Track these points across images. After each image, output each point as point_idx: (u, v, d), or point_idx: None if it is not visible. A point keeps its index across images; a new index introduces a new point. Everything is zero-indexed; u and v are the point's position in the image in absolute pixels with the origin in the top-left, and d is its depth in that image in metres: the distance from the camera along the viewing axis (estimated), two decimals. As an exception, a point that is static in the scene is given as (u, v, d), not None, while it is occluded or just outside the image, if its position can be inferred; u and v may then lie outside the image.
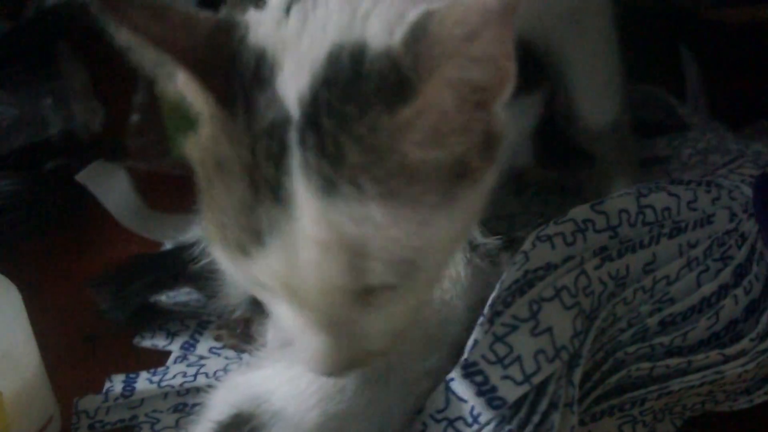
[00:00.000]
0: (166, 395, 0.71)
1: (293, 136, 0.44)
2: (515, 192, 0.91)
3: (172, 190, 0.87)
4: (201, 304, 0.80)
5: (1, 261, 0.75)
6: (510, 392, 0.56)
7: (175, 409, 0.70)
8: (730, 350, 0.63)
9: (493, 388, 0.57)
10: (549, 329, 0.58)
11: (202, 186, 0.49)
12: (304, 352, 0.49)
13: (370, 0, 0.46)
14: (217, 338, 0.76)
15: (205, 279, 0.73)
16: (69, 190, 0.94)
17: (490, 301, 0.61)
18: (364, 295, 0.46)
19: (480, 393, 0.57)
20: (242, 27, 0.48)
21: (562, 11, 0.79)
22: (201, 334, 0.78)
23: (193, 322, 0.79)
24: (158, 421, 0.69)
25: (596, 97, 0.86)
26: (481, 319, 0.60)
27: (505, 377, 0.57)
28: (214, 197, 0.47)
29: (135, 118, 1.02)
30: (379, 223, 0.43)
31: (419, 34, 0.43)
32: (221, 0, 0.53)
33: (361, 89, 0.44)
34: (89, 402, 0.71)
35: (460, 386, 0.57)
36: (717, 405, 0.67)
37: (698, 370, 0.63)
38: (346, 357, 0.49)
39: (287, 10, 0.48)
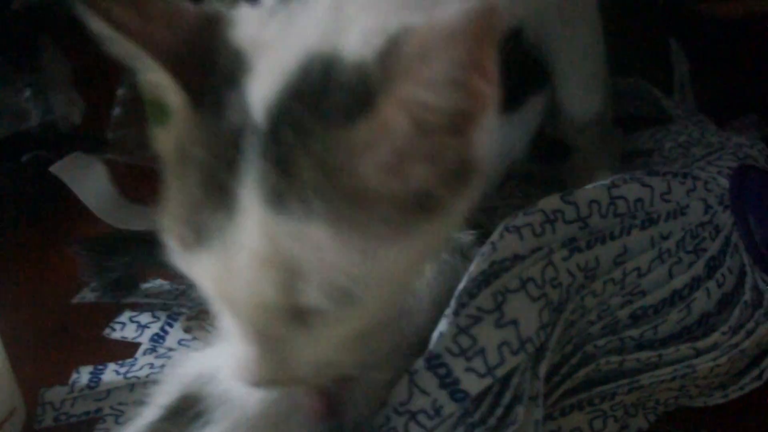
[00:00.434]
0: (132, 387, 0.70)
1: (252, 144, 0.43)
2: (496, 185, 0.90)
3: (152, 183, 0.87)
4: (173, 296, 0.79)
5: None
6: (473, 385, 0.55)
7: (141, 402, 0.68)
8: (702, 344, 0.62)
9: (456, 381, 0.56)
10: (514, 321, 0.57)
11: (166, 178, 0.48)
12: (232, 358, 0.48)
13: (358, 8, 0.45)
14: (187, 330, 0.75)
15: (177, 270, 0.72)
16: (47, 182, 0.93)
17: (456, 293, 0.60)
18: (298, 314, 0.45)
19: (443, 385, 0.56)
20: (227, 23, 0.47)
21: (549, 1, 0.79)
22: (171, 326, 0.77)
23: (163, 315, 0.78)
24: (123, 413, 0.68)
25: (581, 89, 0.86)
26: (447, 311, 0.60)
27: (468, 369, 0.56)
28: (172, 190, 0.47)
29: (117, 111, 1.02)
30: (319, 246, 0.42)
31: (391, 49, 0.41)
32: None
33: (327, 103, 0.42)
34: (55, 394, 0.71)
35: (422, 378, 0.56)
36: (691, 400, 0.66)
37: (669, 363, 0.61)
38: (270, 374, 0.48)
39: (276, 10, 0.47)
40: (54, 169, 0.91)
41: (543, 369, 0.58)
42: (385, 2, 0.45)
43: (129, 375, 0.72)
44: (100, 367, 0.73)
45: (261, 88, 0.44)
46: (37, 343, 0.77)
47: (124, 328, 0.78)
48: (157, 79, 0.47)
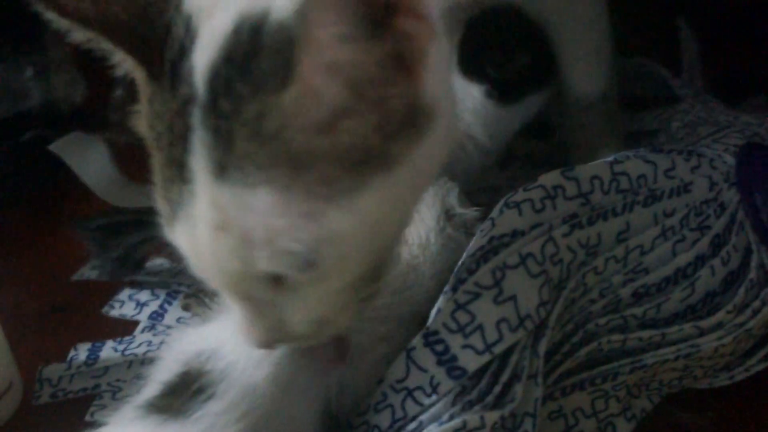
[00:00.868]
0: (130, 364, 0.70)
1: (196, 116, 0.43)
2: (500, 164, 0.89)
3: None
4: (172, 274, 0.78)
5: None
6: (471, 362, 0.55)
7: (139, 378, 0.68)
8: (706, 323, 0.61)
9: (454, 358, 0.55)
10: (513, 297, 0.56)
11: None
12: (235, 323, 0.49)
13: None
14: (185, 308, 0.75)
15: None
16: (47, 161, 0.92)
17: (455, 269, 0.59)
18: (273, 279, 0.45)
19: (440, 362, 0.55)
20: None
21: None
22: (170, 304, 0.76)
23: (162, 293, 0.77)
24: (120, 389, 0.68)
25: (585, 67, 0.84)
26: (446, 287, 0.59)
27: (466, 346, 0.55)
28: (154, 167, 0.47)
29: (119, 92, 1.01)
30: (264, 213, 0.42)
31: (306, 4, 0.39)
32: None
33: (256, 68, 0.41)
34: (53, 370, 0.70)
35: (420, 355, 0.56)
36: (696, 381, 0.65)
37: (673, 343, 0.60)
38: (268, 335, 0.48)
39: None
40: (54, 147, 0.91)
41: (543, 347, 0.57)
42: None
43: (127, 352, 0.71)
44: (99, 344, 0.73)
45: (203, 56, 0.43)
46: (36, 320, 0.77)
47: (123, 306, 0.77)
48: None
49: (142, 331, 0.74)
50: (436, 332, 0.56)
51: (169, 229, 0.46)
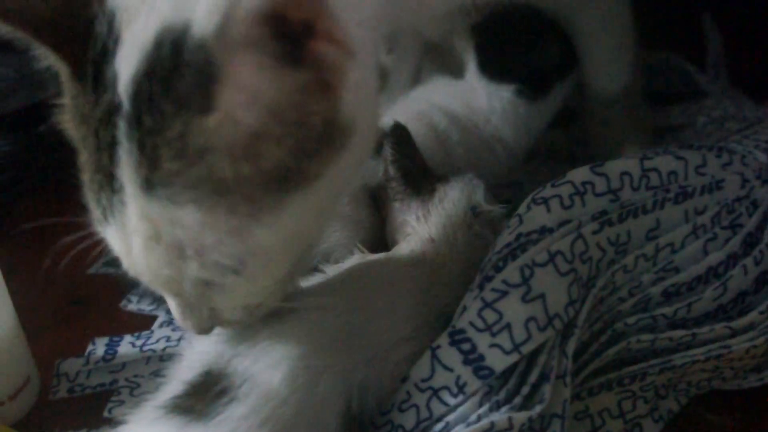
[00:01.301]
0: (148, 360, 0.69)
1: (122, 128, 0.42)
2: (523, 159, 0.88)
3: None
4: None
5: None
6: (498, 361, 0.53)
7: (156, 374, 0.67)
8: (738, 323, 0.59)
9: (481, 357, 0.54)
10: (541, 296, 0.54)
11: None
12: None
13: None
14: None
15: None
16: (64, 152, 0.91)
17: (481, 266, 0.58)
18: (203, 281, 0.46)
19: (467, 362, 0.54)
20: None
21: None
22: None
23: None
24: (138, 385, 0.67)
25: (606, 61, 0.83)
26: (471, 285, 0.58)
27: (494, 345, 0.54)
28: (82, 166, 0.47)
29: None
30: (192, 228, 0.43)
31: (224, 26, 0.39)
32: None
33: (178, 85, 0.40)
34: (70, 365, 0.69)
35: (446, 354, 0.54)
36: (724, 382, 0.64)
37: (703, 343, 0.59)
38: (201, 324, 0.51)
39: None
40: (72, 138, 0.90)
41: (571, 347, 0.55)
42: None
43: (145, 348, 0.70)
44: (117, 338, 0.72)
45: (125, 65, 0.42)
46: (53, 314, 0.76)
47: (141, 300, 0.76)
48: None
49: (161, 325, 0.73)
50: (462, 331, 0.54)
51: (101, 228, 0.47)
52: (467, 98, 0.82)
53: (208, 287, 0.46)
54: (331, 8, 0.41)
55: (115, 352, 0.70)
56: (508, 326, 0.54)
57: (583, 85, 0.85)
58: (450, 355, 0.54)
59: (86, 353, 0.71)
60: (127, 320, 0.75)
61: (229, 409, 0.48)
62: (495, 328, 0.54)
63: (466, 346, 0.54)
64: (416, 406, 0.54)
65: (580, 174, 0.60)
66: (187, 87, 0.40)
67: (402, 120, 0.69)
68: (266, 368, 0.49)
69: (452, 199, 0.62)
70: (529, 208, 0.59)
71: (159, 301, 0.75)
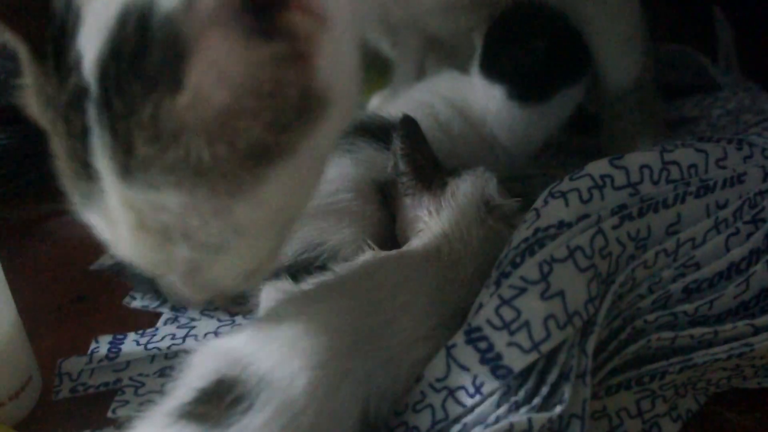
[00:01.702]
0: (152, 358, 0.67)
1: (92, 114, 0.41)
2: (526, 161, 0.86)
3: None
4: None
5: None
6: (516, 361, 0.52)
7: (161, 374, 0.65)
8: (761, 321, 0.58)
9: (498, 356, 0.52)
10: (561, 293, 0.53)
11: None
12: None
13: None
14: (210, 299, 0.72)
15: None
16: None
17: (497, 262, 0.56)
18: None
19: (484, 361, 0.52)
20: None
21: None
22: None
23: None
24: (143, 384, 0.65)
25: (617, 54, 0.81)
26: (487, 281, 0.56)
27: (512, 344, 0.52)
28: (55, 151, 0.45)
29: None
30: (174, 211, 0.42)
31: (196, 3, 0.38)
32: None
33: (146, 65, 0.39)
34: (72, 364, 0.67)
35: (462, 353, 0.53)
36: (745, 381, 0.62)
37: (725, 341, 0.57)
38: (199, 293, 0.49)
39: None
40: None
41: (591, 345, 0.54)
42: None
43: (150, 346, 0.68)
44: (120, 336, 0.70)
45: (90, 44, 0.41)
46: (55, 311, 0.75)
47: (145, 297, 0.75)
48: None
49: (165, 323, 0.72)
50: (478, 329, 0.53)
51: (83, 213, 0.46)
52: (467, 93, 0.80)
53: (200, 264, 0.46)
54: None
55: (119, 350, 0.68)
56: (526, 324, 0.52)
57: (596, 78, 0.83)
58: (466, 354, 0.53)
59: (89, 352, 0.69)
60: (131, 317, 0.73)
61: (248, 417, 0.46)
62: (513, 326, 0.52)
63: (482, 345, 0.52)
64: (431, 406, 0.53)
65: (598, 167, 0.58)
66: (155, 66, 0.39)
67: (404, 110, 0.67)
68: (286, 376, 0.47)
69: (464, 193, 0.61)
70: (546, 202, 0.57)
71: (164, 298, 0.73)
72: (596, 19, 0.79)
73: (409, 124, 0.64)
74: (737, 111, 0.81)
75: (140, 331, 0.71)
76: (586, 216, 0.56)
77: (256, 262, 0.48)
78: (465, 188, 0.61)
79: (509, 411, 0.51)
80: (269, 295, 0.62)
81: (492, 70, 0.79)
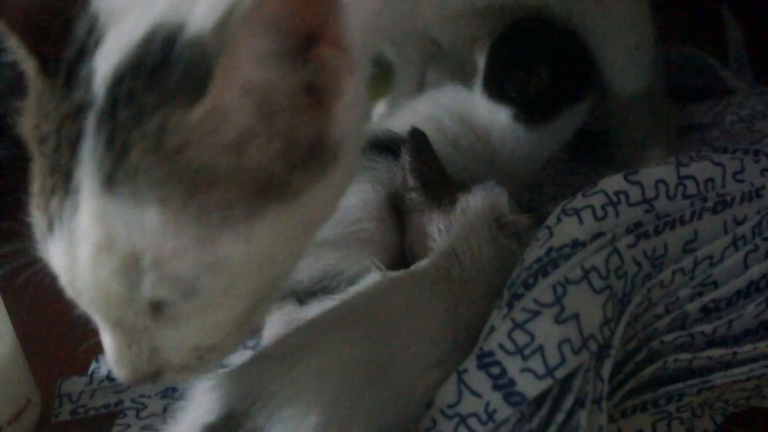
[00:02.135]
0: (154, 379, 0.65)
1: (91, 122, 0.40)
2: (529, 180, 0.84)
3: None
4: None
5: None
6: (530, 387, 0.50)
7: (164, 395, 0.64)
8: (781, 341, 0.56)
9: (512, 382, 0.50)
10: (575, 316, 0.51)
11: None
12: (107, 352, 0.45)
13: None
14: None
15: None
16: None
17: (508, 282, 0.55)
18: (153, 306, 0.41)
19: (496, 387, 0.50)
20: None
21: None
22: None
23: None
24: (145, 407, 0.63)
25: (625, 61, 0.80)
26: (498, 303, 0.54)
27: (525, 370, 0.50)
28: (35, 173, 0.43)
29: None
30: (152, 232, 0.39)
31: (225, 20, 0.38)
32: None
33: (165, 79, 0.39)
34: (73, 384, 0.66)
35: (474, 378, 0.51)
36: (763, 400, 0.60)
37: (744, 362, 0.56)
38: (141, 366, 0.44)
39: None
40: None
41: (607, 369, 0.52)
42: None
43: (151, 366, 0.67)
44: (121, 356, 0.68)
45: (105, 61, 0.41)
46: (54, 330, 0.72)
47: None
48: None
49: (167, 341, 0.70)
50: (491, 353, 0.51)
51: (44, 243, 0.43)
52: (472, 108, 0.78)
53: (157, 316, 0.42)
54: (343, 16, 0.39)
55: (120, 370, 0.67)
56: (540, 349, 0.50)
57: (603, 86, 0.81)
58: (478, 380, 0.51)
59: (89, 372, 0.68)
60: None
61: None
62: (526, 351, 0.50)
63: (495, 370, 0.51)
64: (442, 433, 0.51)
65: (612, 182, 0.57)
66: (174, 80, 0.39)
67: (410, 123, 0.66)
68: (298, 414, 0.45)
69: (475, 209, 0.59)
70: (559, 219, 0.55)
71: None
72: (603, 27, 0.77)
73: (417, 137, 0.62)
74: (751, 118, 0.79)
75: (142, 351, 0.69)
76: (600, 234, 0.55)
77: (216, 332, 0.44)
78: (475, 204, 0.59)
79: (523, 440, 0.50)
80: (274, 318, 0.60)
81: (495, 92, 0.77)
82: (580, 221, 0.55)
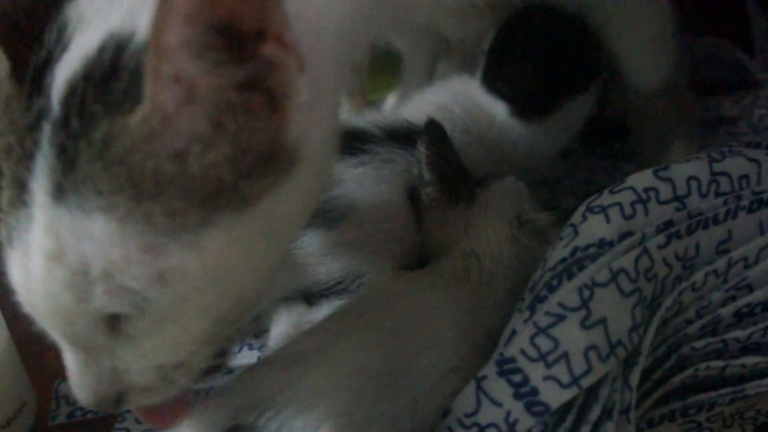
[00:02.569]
0: (155, 381, 0.63)
1: (46, 134, 0.40)
2: (560, 155, 0.81)
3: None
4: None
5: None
6: (554, 396, 0.47)
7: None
8: (821, 348, 0.53)
9: (534, 391, 0.47)
10: (603, 320, 0.48)
11: None
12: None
13: None
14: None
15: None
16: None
17: (530, 284, 0.52)
18: (110, 321, 0.41)
19: (518, 395, 0.48)
20: None
21: None
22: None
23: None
24: (146, 411, 0.60)
25: (644, 54, 0.77)
26: (519, 305, 0.51)
27: (549, 378, 0.47)
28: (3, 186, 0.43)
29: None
30: (101, 242, 0.38)
31: (166, 22, 0.37)
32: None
33: (112, 88, 0.39)
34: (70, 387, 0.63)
35: (494, 386, 0.48)
36: (796, 409, 0.57)
37: (780, 370, 0.52)
38: (102, 388, 0.43)
39: None
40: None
41: (635, 377, 0.49)
42: None
43: (152, 367, 0.64)
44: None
45: (65, 70, 0.40)
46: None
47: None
48: None
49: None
50: (512, 359, 0.48)
51: (6, 253, 0.42)
52: (478, 100, 0.75)
53: (114, 333, 0.41)
54: (287, 15, 0.38)
55: (120, 371, 0.64)
56: (565, 356, 0.47)
57: (622, 80, 0.78)
58: (498, 388, 0.48)
59: (88, 372, 0.65)
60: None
61: None
62: (550, 358, 0.47)
63: (516, 378, 0.48)
64: (459, 444, 0.48)
65: (641, 179, 0.53)
66: (121, 89, 0.39)
67: (423, 113, 0.63)
68: (309, 426, 0.43)
69: (495, 206, 0.56)
70: (585, 217, 0.52)
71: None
72: (620, 18, 0.74)
73: (434, 129, 0.59)
74: (781, 111, 0.76)
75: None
76: (629, 233, 0.51)
77: (179, 348, 0.42)
78: (495, 201, 0.56)
79: (547, 453, 0.47)
80: (282, 318, 0.57)
81: (491, 86, 0.74)
82: (608, 219, 0.52)
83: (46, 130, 0.39)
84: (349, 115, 0.74)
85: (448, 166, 0.58)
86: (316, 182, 0.44)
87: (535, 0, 0.73)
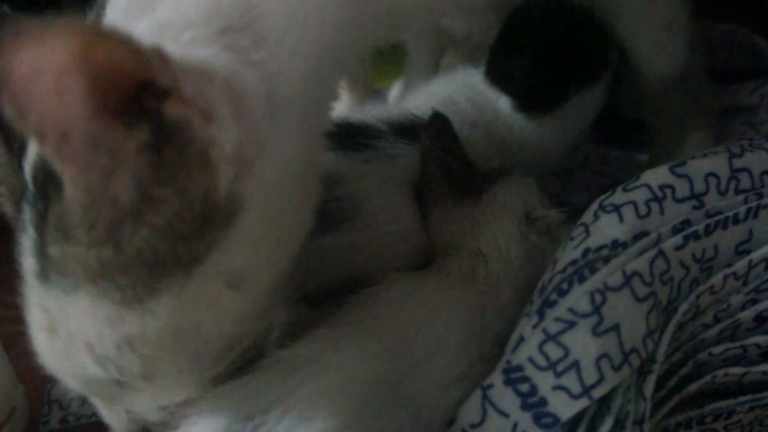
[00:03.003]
0: (150, 385, 0.61)
1: (26, 212, 0.41)
2: (572, 148, 0.78)
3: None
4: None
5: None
6: (564, 408, 0.45)
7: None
8: (844, 353, 0.50)
9: (543, 401, 0.45)
10: (615, 327, 0.45)
11: None
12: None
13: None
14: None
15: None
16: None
17: (539, 287, 0.49)
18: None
19: (525, 406, 0.45)
20: None
21: None
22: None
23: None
24: (140, 417, 0.58)
25: (656, 44, 0.73)
26: (527, 310, 0.49)
27: (559, 388, 0.45)
28: None
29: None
30: (78, 318, 0.40)
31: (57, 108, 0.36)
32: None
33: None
34: (63, 391, 0.60)
35: (500, 395, 0.46)
36: (818, 416, 0.55)
37: (802, 377, 0.50)
38: (128, 425, 0.46)
39: None
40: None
41: (650, 386, 0.47)
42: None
43: (147, 370, 0.62)
44: (115, 358, 0.64)
45: (33, 146, 0.41)
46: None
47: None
48: None
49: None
50: (519, 368, 0.46)
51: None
52: (484, 93, 0.72)
53: (118, 384, 0.43)
54: (177, 68, 0.36)
55: (114, 374, 0.62)
56: (575, 365, 0.45)
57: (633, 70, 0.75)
58: (505, 397, 0.46)
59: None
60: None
61: None
62: (560, 367, 0.45)
63: (524, 387, 0.45)
64: (464, 456, 0.46)
65: (657, 175, 0.51)
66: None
67: (428, 105, 0.61)
68: None
69: (503, 203, 0.53)
70: (596, 216, 0.50)
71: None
72: (629, 6, 0.70)
73: (439, 121, 0.56)
74: (802, 101, 0.73)
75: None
76: (643, 234, 0.49)
77: (174, 397, 0.44)
78: (503, 198, 0.54)
79: (556, 467, 0.44)
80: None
81: (493, 80, 0.71)
82: (621, 219, 0.49)
83: (26, 210, 0.41)
84: (353, 109, 0.72)
85: (453, 161, 0.55)
86: (274, 221, 0.42)
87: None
